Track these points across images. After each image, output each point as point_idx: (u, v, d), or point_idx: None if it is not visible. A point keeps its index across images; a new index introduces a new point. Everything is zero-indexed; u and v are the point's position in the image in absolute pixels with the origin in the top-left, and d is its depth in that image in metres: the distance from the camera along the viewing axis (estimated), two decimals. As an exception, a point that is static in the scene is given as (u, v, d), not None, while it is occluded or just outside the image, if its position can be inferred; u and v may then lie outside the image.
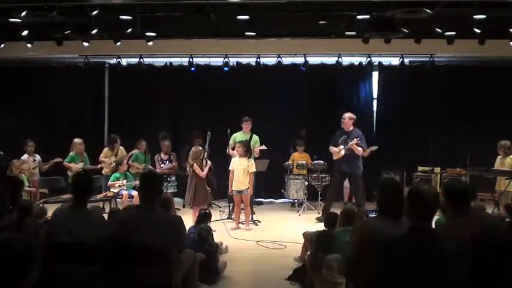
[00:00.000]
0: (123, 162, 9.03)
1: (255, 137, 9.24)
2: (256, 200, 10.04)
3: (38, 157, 9.30)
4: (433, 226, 3.21)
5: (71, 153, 9.38)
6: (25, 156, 9.10)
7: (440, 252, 2.77)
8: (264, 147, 9.19)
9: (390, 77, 11.03)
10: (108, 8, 8.15)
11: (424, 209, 2.89)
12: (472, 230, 2.85)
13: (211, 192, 8.95)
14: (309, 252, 5.70)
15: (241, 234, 7.81)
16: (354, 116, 8.88)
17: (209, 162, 8.18)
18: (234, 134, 9.18)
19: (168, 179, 9.07)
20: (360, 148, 8.55)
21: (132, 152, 9.44)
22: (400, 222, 3.30)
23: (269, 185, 10.90)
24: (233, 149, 9.01)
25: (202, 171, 7.96)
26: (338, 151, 8.70)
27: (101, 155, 9.52)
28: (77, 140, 9.46)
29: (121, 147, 9.63)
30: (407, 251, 2.79)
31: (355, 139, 8.49)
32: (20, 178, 6.53)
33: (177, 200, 9.49)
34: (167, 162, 9.26)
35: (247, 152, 8.27)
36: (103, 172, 9.39)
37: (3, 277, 1.96)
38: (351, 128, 8.80)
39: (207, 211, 6.52)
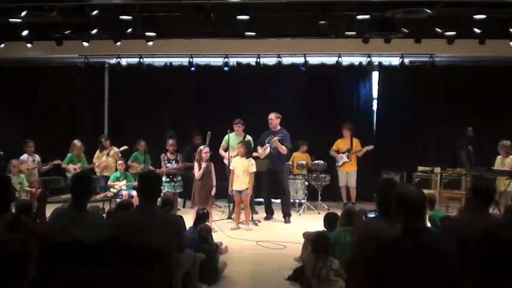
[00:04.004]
0: (120, 161, 9.09)
1: (248, 138, 9.18)
2: (257, 199, 10.00)
3: (37, 157, 9.29)
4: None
5: (69, 155, 9.40)
6: (24, 156, 9.10)
7: (435, 251, 2.77)
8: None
9: (390, 77, 11.01)
10: (108, 8, 8.14)
11: (412, 209, 2.87)
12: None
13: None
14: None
15: (241, 234, 7.81)
16: (280, 115, 8.98)
17: (204, 165, 7.93)
18: (228, 135, 9.11)
19: (175, 179, 9.02)
20: (283, 147, 8.74)
21: (121, 148, 9.47)
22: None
23: (269, 185, 10.85)
24: (225, 150, 9.00)
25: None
26: (263, 150, 8.79)
27: (94, 157, 9.65)
28: (77, 143, 9.47)
29: (114, 148, 9.64)
30: (403, 251, 2.79)
31: (277, 136, 8.71)
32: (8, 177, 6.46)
33: (178, 200, 9.51)
34: (173, 162, 9.17)
35: (248, 152, 8.25)
36: (97, 173, 9.40)
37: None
38: (278, 127, 8.94)
39: (205, 211, 6.51)
